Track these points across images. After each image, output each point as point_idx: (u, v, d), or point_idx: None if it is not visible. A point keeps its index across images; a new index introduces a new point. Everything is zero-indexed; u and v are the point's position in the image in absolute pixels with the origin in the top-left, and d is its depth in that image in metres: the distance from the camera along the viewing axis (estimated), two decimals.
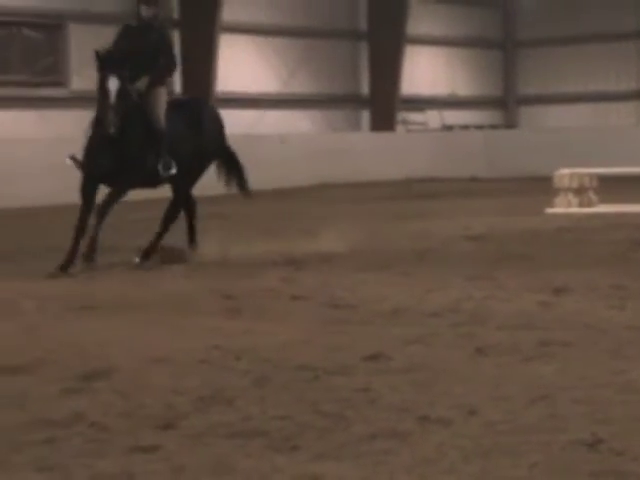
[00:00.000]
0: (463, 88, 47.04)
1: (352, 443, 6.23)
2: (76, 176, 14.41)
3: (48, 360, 8.54)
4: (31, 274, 13.49)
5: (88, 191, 14.30)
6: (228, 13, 37.29)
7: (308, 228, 18.48)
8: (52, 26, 33.69)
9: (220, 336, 9.29)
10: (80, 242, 13.87)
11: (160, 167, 14.57)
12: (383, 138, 40.81)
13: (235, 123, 37.27)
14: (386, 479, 5.55)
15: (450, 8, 45.39)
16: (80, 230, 13.98)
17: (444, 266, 13.93)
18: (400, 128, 43.38)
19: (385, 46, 41.90)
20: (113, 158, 14.18)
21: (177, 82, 36.50)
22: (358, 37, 43.06)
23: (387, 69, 42.25)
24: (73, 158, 14.12)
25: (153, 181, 15.02)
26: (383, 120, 42.25)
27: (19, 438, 6.42)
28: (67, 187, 16.98)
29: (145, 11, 14.12)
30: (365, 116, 43.21)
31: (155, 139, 14.55)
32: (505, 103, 49.11)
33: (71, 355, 8.69)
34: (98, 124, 14.07)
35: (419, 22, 43.94)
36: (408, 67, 43.47)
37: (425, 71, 45.42)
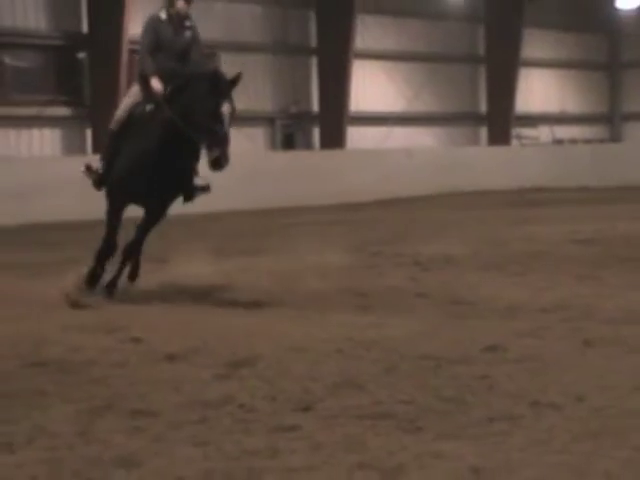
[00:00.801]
0: (572, 106, 46.59)
1: (471, 425, 6.22)
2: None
3: (201, 349, 8.63)
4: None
5: (122, 210, 11.69)
6: (360, 42, 37.36)
7: (432, 232, 18.46)
8: (205, 55, 33.95)
9: (353, 329, 9.31)
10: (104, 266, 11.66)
11: (197, 183, 11.82)
12: (499, 152, 40.57)
13: (366, 138, 37.47)
14: (502, 457, 5.53)
15: (560, 34, 44.94)
16: (107, 253, 11.62)
17: (554, 267, 13.81)
18: (515, 142, 43.13)
19: (501, 68, 41.67)
20: (164, 174, 11.27)
21: (314, 102, 36.69)
22: (476, 61, 42.84)
23: (503, 89, 42.01)
24: (88, 168, 11.86)
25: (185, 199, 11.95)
26: (499, 135, 42.05)
27: (177, 417, 6.51)
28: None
29: (182, 6, 11.44)
30: (483, 132, 43.03)
31: (196, 151, 11.38)
32: (611, 119, 48.56)
33: (221, 345, 8.77)
34: (148, 135, 11.22)
35: (532, 47, 43.67)
36: (522, 87, 43.22)
37: (537, 91, 45.10)
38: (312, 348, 8.55)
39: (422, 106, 40.82)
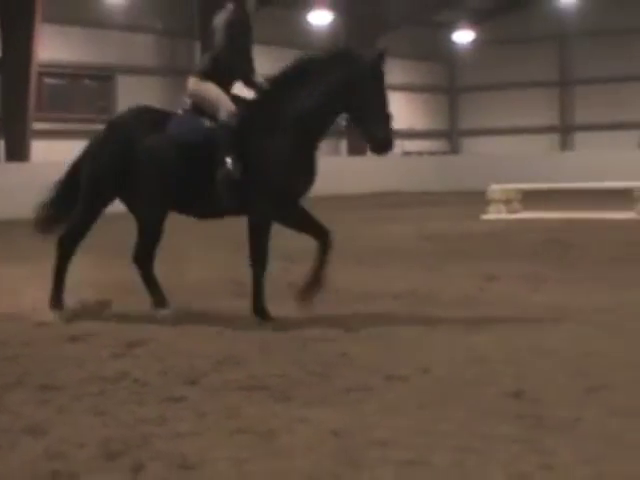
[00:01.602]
0: (419, 123, 47.12)
1: (332, 394, 6.24)
2: None
3: (101, 332, 8.55)
4: None
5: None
6: None
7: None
8: (104, 77, 33.77)
9: (232, 314, 9.29)
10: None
11: None
12: (357, 161, 40.93)
13: None
14: (358, 422, 5.57)
15: (406, 62, 45.30)
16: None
17: (404, 259, 13.93)
18: (370, 154, 43.33)
19: None
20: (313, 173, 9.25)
21: None
22: None
23: None
24: None
25: None
26: (358, 147, 42.18)
27: (79, 391, 6.44)
28: None
29: (253, 7, 9.43)
30: (344, 144, 43.19)
31: None
32: (450, 135, 49.22)
33: (118, 329, 8.70)
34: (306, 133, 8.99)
35: (388, 73, 43.74)
36: None
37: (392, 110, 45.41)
38: (197, 331, 8.50)
39: None
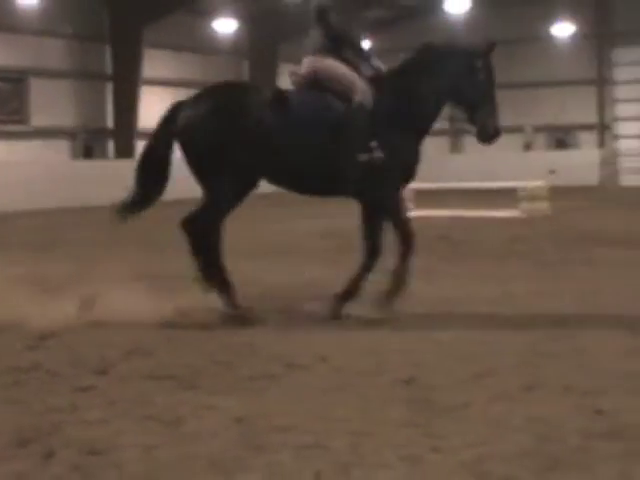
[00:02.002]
0: None
1: (237, 383, 6.25)
2: None
3: (15, 325, 8.42)
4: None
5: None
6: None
7: None
8: (17, 80, 33.14)
9: (140, 307, 9.21)
10: None
11: None
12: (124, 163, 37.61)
13: None
14: (261, 408, 5.58)
15: (178, 55, 42.76)
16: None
17: (303, 255, 13.95)
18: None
19: (125, 87, 36.71)
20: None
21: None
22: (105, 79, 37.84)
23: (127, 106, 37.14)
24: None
25: None
26: (125, 149, 36.66)
27: None
28: None
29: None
30: (111, 145, 40.25)
31: None
32: None
33: (32, 321, 8.58)
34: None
35: (152, 68, 41.28)
36: (144, 104, 40.55)
37: (158, 108, 43.31)
38: (107, 322, 8.42)
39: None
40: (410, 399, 5.71)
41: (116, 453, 4.81)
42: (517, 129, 43.21)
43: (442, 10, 41.81)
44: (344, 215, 21.97)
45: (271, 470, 4.54)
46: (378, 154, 8.34)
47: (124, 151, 35.51)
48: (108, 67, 36.41)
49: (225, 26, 39.58)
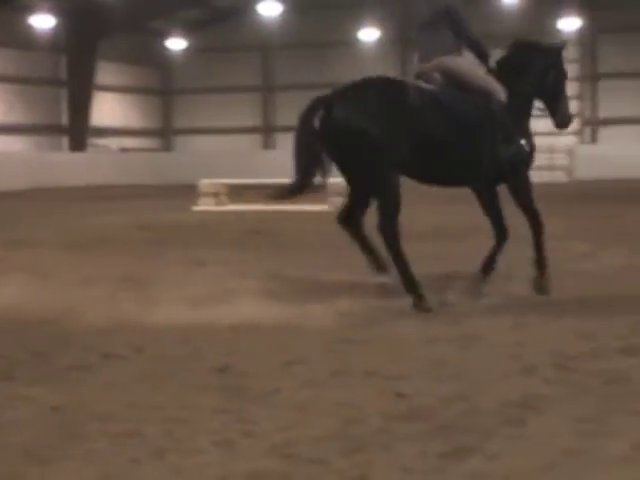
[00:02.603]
0: (135, 122, 46.73)
1: (54, 373, 6.15)
2: None
3: None
4: None
5: None
6: None
7: (25, 218, 17.98)
8: None
9: None
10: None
11: None
12: (77, 156, 40.30)
13: None
14: (77, 398, 5.51)
15: (123, 66, 44.84)
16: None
17: (121, 247, 13.79)
18: (91, 149, 42.64)
19: (79, 91, 41.12)
20: None
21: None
22: (59, 84, 42.02)
23: (81, 107, 41.50)
24: None
25: None
26: (78, 144, 41.54)
27: None
28: None
29: None
30: (65, 141, 42.34)
31: None
32: (165, 133, 49.00)
33: None
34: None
35: (104, 76, 43.32)
36: (97, 106, 42.87)
37: (109, 109, 44.79)
38: None
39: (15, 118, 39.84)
40: (224, 386, 5.73)
41: None
42: None
43: (255, 12, 41.90)
44: (152, 210, 22.02)
45: (88, 458, 4.49)
46: (527, 148, 8.80)
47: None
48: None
49: (43, 22, 38.70)
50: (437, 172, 8.70)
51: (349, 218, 8.69)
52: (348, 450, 4.54)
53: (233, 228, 17.01)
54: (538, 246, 8.83)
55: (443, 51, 8.73)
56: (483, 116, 8.56)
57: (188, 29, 45.03)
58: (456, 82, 8.65)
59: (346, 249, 13.25)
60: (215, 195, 23.21)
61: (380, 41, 42.66)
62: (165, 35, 45.39)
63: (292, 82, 44.85)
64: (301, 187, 8.63)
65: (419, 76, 8.82)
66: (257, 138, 47.20)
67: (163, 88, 48.67)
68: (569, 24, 39.48)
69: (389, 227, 8.22)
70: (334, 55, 43.56)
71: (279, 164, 38.81)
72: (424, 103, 8.34)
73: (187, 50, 45.86)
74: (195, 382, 5.87)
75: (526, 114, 9.07)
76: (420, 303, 8.22)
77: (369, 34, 42.47)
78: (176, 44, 45.84)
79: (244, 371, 6.14)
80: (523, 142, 8.77)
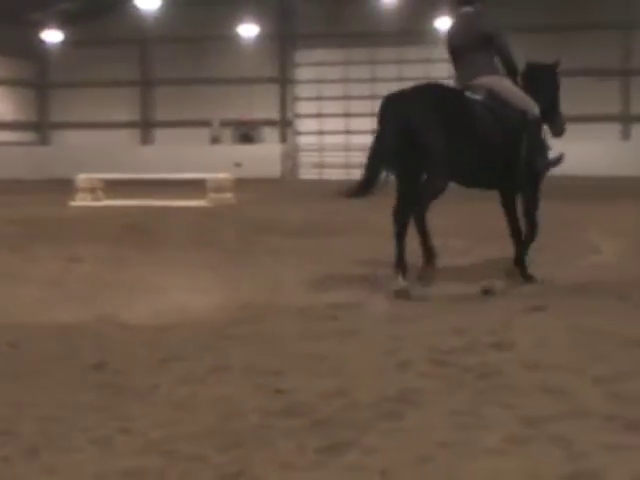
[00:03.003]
0: (9, 115, 45.70)
1: None
2: None
3: None
4: None
5: None
6: None
7: None
8: None
9: None
10: None
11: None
12: None
13: None
14: None
15: None
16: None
17: None
18: None
19: None
20: None
21: None
22: None
23: None
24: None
25: None
26: None
27: None
28: None
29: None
30: None
31: None
32: (41, 127, 48.05)
33: None
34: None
35: None
36: None
37: None
38: None
39: None
40: (100, 383, 5.65)
41: None
42: (205, 123, 43.60)
43: (134, 5, 41.38)
44: (27, 204, 21.63)
45: None
46: (559, 159, 9.78)
47: None
48: None
49: None
50: (481, 176, 9.46)
51: (403, 214, 8.97)
52: (226, 446, 4.53)
53: (109, 223, 16.80)
54: (523, 246, 9.74)
55: (485, 72, 9.49)
56: (522, 127, 9.39)
57: (65, 21, 44.23)
58: (499, 98, 9.42)
59: (223, 244, 13.26)
60: (92, 190, 22.90)
61: (259, 37, 42.64)
62: (41, 27, 44.49)
63: (170, 77, 44.53)
64: (371, 184, 8.87)
65: (465, 90, 9.44)
66: (135, 133, 46.68)
67: (39, 81, 47.72)
68: (446, 24, 40.03)
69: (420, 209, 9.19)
70: (213, 50, 43.40)
71: (157, 159, 38.74)
72: (480, 112, 9.15)
73: (64, 43, 45.03)
74: (71, 379, 5.78)
75: (542, 127, 9.88)
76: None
77: (248, 29, 42.41)
78: (52, 36, 44.96)
79: (121, 368, 6.07)
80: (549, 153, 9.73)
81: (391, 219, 8.92)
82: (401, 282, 8.78)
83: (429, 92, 9.07)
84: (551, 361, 6.09)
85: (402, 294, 8.68)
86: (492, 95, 9.38)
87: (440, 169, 8.83)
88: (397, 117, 8.70)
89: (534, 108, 9.52)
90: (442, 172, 8.87)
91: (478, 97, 9.29)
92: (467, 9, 9.61)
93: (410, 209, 8.97)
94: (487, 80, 9.43)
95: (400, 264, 8.87)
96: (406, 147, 8.67)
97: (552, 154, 9.76)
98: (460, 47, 9.56)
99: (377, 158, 8.84)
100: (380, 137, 8.83)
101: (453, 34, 9.69)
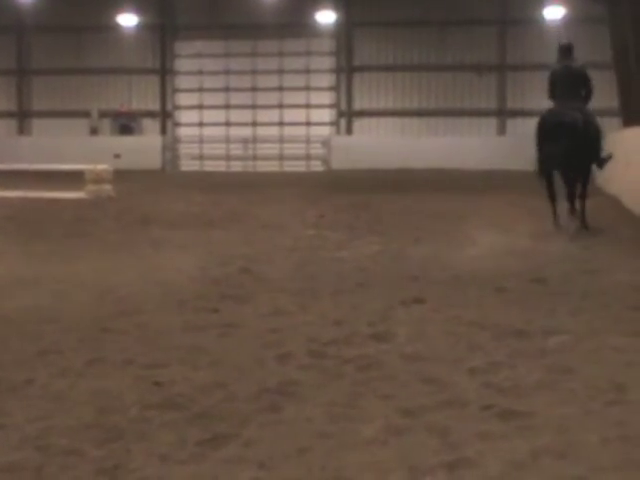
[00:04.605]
0: None
1: None
2: None
3: None
4: None
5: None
6: None
7: None
8: None
9: None
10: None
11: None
12: None
13: None
14: None
15: None
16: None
17: None
18: None
19: None
20: None
21: None
22: None
23: None
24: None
25: None
26: None
27: None
28: None
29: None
30: None
31: None
32: None
33: None
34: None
35: None
36: None
37: None
38: None
39: None
40: None
41: None
42: (84, 114, 42.94)
43: None
44: None
45: None
46: (610, 157, 14.21)
47: None
48: None
49: None
50: (576, 165, 13.41)
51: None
52: (104, 439, 4.47)
53: None
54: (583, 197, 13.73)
55: (578, 100, 13.53)
56: (597, 134, 13.64)
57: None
58: (587, 114, 13.43)
59: (102, 236, 13.08)
60: None
61: (139, 27, 42.13)
62: None
63: (48, 66, 43.65)
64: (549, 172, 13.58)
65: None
66: (12, 123, 45.62)
67: None
68: (326, 17, 40.18)
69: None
70: (92, 40, 42.68)
71: (35, 150, 37.99)
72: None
73: None
74: None
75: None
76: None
77: (128, 19, 41.86)
78: None
79: None
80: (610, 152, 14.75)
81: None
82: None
83: (578, 111, 13.24)
84: (429, 352, 6.18)
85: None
86: (583, 113, 13.31)
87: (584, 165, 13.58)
88: (565, 128, 12.95)
89: (596, 119, 13.58)
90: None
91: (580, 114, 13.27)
92: (571, 61, 13.76)
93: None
94: (579, 104, 13.42)
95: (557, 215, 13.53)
96: (574, 149, 12.99)
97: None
98: (565, 83, 13.54)
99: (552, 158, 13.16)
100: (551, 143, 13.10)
101: (561, 74, 13.60)
